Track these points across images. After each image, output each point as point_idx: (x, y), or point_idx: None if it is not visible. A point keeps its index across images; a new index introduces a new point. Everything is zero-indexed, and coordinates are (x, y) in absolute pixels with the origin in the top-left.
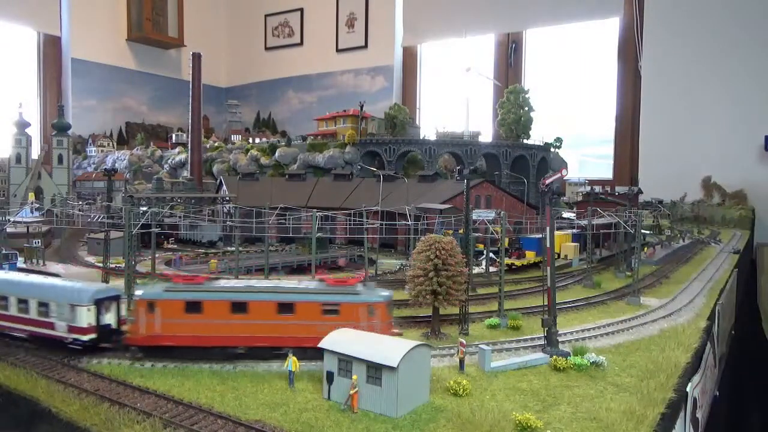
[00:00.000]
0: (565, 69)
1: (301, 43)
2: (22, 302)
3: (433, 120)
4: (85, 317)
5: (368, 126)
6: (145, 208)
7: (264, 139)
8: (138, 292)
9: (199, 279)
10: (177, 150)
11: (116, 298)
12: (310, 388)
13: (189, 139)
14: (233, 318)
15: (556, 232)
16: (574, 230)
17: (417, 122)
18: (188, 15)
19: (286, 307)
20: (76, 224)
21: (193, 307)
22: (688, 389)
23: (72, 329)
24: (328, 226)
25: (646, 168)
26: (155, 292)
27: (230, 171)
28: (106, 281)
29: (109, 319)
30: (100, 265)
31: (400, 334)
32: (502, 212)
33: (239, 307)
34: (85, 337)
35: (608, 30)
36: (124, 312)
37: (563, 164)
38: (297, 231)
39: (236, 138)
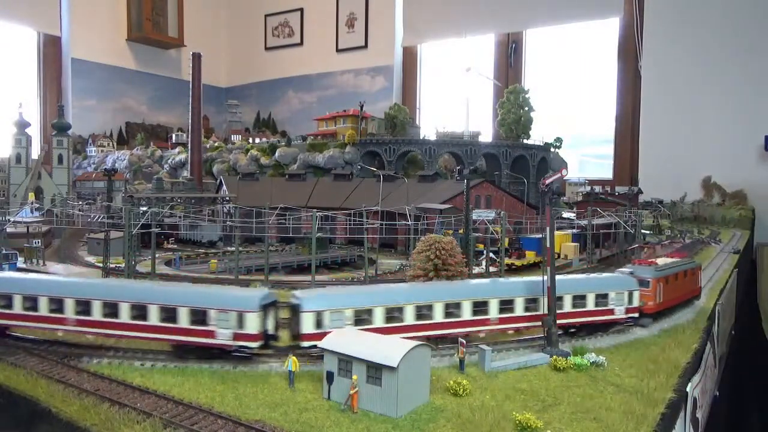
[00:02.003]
0: (565, 69)
1: (301, 43)
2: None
3: (433, 120)
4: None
5: (368, 126)
6: (145, 208)
7: (264, 139)
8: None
9: (653, 262)
10: (177, 150)
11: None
12: (310, 388)
13: (189, 139)
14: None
15: (556, 232)
16: (574, 230)
17: (417, 122)
18: (188, 15)
19: None
20: (76, 224)
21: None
22: (688, 389)
23: (238, 337)
24: (328, 226)
25: (646, 168)
26: (652, 272)
27: (230, 171)
28: None
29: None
30: (100, 265)
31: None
32: (502, 212)
33: None
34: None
35: (608, 30)
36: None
37: (563, 164)
38: (297, 231)
39: (236, 138)
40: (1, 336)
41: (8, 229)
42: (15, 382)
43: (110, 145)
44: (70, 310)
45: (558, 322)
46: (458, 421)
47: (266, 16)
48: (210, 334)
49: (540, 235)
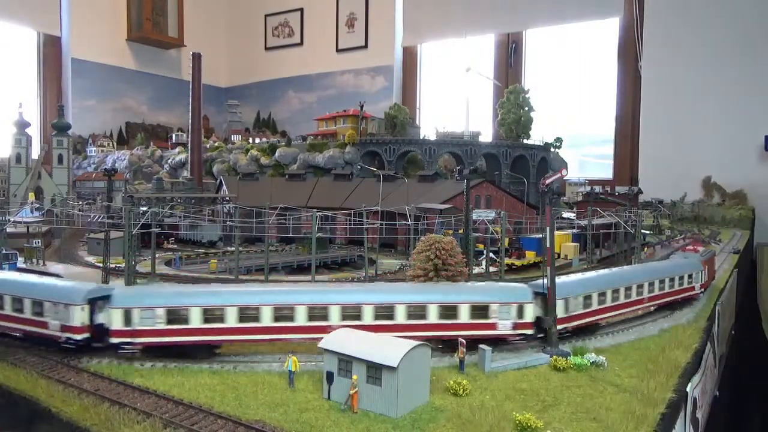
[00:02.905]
0: (565, 69)
1: (301, 43)
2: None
3: (433, 120)
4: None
5: (368, 126)
6: (145, 208)
7: (264, 139)
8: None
9: (696, 250)
10: (177, 150)
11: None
12: (310, 388)
13: (189, 139)
14: None
15: (556, 232)
16: (574, 230)
17: (417, 122)
18: (188, 15)
19: None
20: (76, 224)
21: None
22: (688, 389)
23: (65, 328)
24: (328, 226)
25: (646, 168)
26: (698, 258)
27: (230, 171)
28: (106, 281)
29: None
30: (100, 265)
31: None
32: (502, 212)
33: None
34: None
35: (608, 30)
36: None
37: (563, 164)
38: (297, 231)
39: (236, 138)
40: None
41: (8, 229)
42: (15, 382)
43: (110, 145)
44: None
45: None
46: (458, 421)
47: (266, 16)
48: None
49: (540, 235)
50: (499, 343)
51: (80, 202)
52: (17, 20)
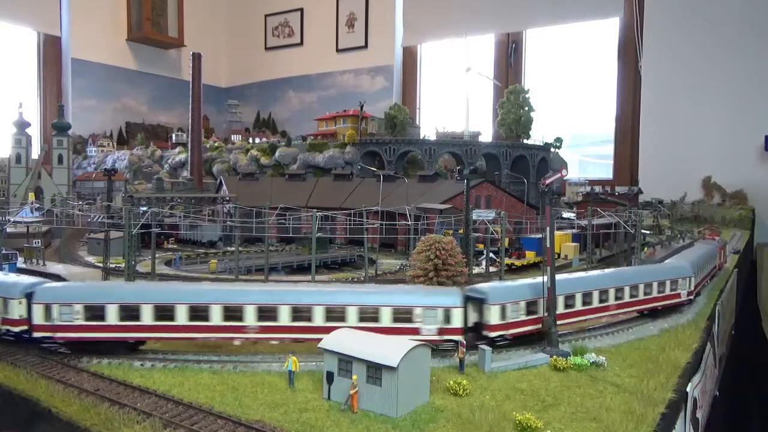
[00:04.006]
0: (565, 69)
1: (301, 43)
2: None
3: (433, 120)
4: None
5: (368, 126)
6: (145, 208)
7: (264, 139)
8: None
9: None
10: (177, 150)
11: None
12: (310, 388)
13: (189, 139)
14: None
15: (556, 232)
16: (574, 230)
17: (417, 122)
18: (188, 15)
19: None
20: (76, 224)
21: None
22: (688, 389)
23: (6, 321)
24: (328, 226)
25: (646, 168)
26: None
27: (230, 171)
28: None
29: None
30: (100, 265)
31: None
32: (502, 212)
33: None
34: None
35: (608, 30)
36: None
37: (563, 164)
38: (297, 231)
39: (236, 138)
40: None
41: (8, 229)
42: (15, 382)
43: (110, 145)
44: None
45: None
46: (458, 421)
47: (266, 16)
48: None
49: (540, 235)
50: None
51: (80, 202)
52: (17, 20)
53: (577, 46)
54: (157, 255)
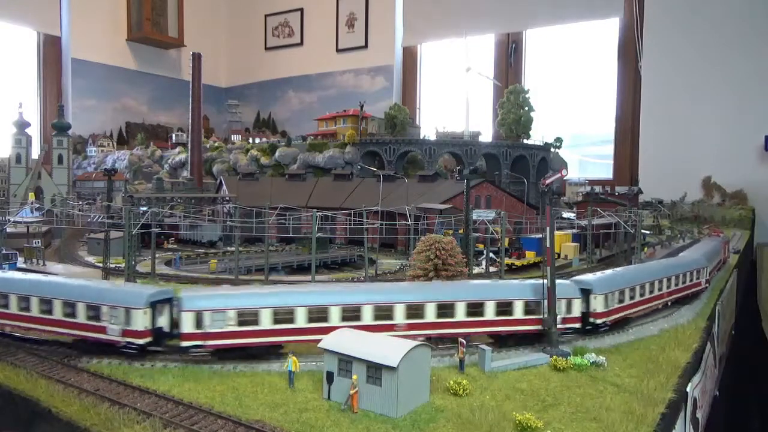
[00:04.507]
0: (565, 69)
1: (301, 43)
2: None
3: (433, 120)
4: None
5: (368, 126)
6: (145, 208)
7: (264, 139)
8: None
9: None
10: (177, 150)
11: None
12: (310, 388)
13: (189, 139)
14: None
15: (556, 232)
16: (574, 230)
17: (417, 122)
18: (188, 15)
19: None
20: (76, 224)
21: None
22: (688, 389)
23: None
24: (328, 226)
25: (646, 168)
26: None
27: (230, 171)
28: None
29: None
30: (100, 265)
31: None
32: (502, 212)
33: None
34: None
35: (608, 30)
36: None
37: (563, 164)
38: (297, 231)
39: (236, 138)
40: None
41: (8, 229)
42: (15, 382)
43: (110, 145)
44: None
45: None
46: (458, 421)
47: (266, 16)
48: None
49: (540, 235)
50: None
51: (80, 202)
52: (17, 20)
53: (577, 46)
54: (157, 255)
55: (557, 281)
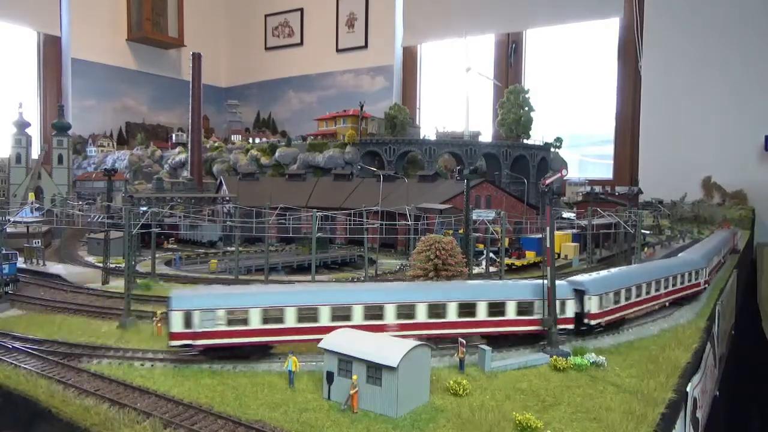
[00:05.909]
0: (565, 69)
1: (301, 43)
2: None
3: (433, 120)
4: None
5: (368, 126)
6: (145, 208)
7: (264, 139)
8: None
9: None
10: (177, 150)
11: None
12: (310, 388)
13: (189, 139)
14: None
15: (556, 232)
16: (574, 230)
17: (417, 122)
18: (188, 15)
19: None
20: (76, 224)
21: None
22: (688, 389)
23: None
24: (328, 226)
25: (646, 168)
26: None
27: (230, 171)
28: (106, 282)
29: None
30: (100, 265)
31: None
32: (502, 212)
33: None
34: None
35: (608, 30)
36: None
37: (563, 164)
38: (297, 231)
39: (236, 138)
40: None
41: (8, 229)
42: (15, 382)
43: (110, 145)
44: None
45: None
46: (458, 421)
47: (266, 16)
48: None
49: (540, 235)
50: None
51: (80, 202)
52: (17, 20)
53: (577, 46)
54: (157, 255)
55: None
